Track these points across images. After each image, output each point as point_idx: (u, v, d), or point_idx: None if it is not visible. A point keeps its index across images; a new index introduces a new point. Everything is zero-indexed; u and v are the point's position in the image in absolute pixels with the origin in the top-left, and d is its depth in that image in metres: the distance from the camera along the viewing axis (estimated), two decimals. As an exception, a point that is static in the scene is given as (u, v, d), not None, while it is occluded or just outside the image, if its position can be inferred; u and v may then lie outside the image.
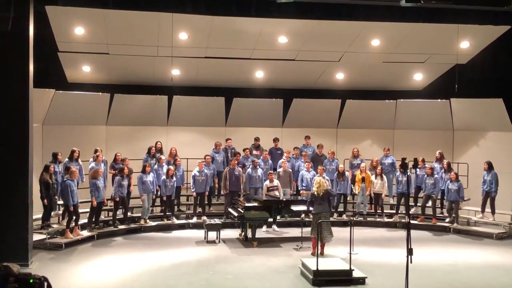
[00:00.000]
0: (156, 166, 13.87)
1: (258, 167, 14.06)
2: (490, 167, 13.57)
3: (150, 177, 13.38)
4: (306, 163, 14.32)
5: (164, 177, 13.57)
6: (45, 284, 4.24)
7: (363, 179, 14.32)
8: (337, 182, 14.22)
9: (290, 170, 14.28)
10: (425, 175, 14.00)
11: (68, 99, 14.09)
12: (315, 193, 10.84)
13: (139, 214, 13.59)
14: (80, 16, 11.95)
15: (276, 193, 13.23)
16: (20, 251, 9.72)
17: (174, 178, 13.68)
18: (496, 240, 12.85)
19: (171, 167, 13.70)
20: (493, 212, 13.56)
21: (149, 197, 13.46)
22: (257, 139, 15.33)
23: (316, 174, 13.66)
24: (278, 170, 14.23)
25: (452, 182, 13.55)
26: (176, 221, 13.87)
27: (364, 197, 14.44)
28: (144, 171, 13.33)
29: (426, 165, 14.11)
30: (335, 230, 12.91)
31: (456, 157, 15.71)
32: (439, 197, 14.13)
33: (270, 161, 14.72)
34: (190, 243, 12.13)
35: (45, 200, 11.78)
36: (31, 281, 4.18)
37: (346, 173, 14.47)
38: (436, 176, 13.95)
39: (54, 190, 12.13)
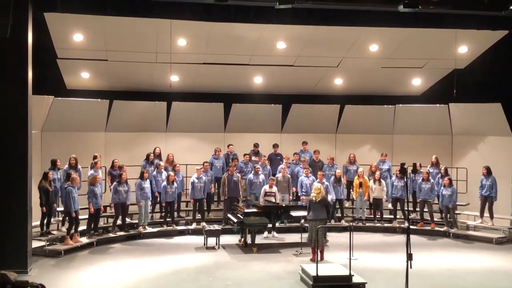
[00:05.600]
0: (155, 173, 13.86)
1: (259, 173, 14.07)
2: (488, 172, 13.56)
3: (148, 184, 13.37)
4: (305, 169, 14.31)
5: (165, 183, 13.56)
6: (42, 291, 4.23)
7: (360, 184, 14.32)
8: (334, 187, 14.21)
9: (289, 176, 14.28)
10: (421, 180, 14.00)
11: (67, 105, 14.10)
12: (313, 198, 10.85)
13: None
14: (79, 23, 11.96)
15: (273, 199, 13.23)
16: (19, 258, 9.69)
17: (175, 184, 13.67)
18: (496, 244, 12.84)
19: (171, 173, 13.69)
20: (491, 217, 13.55)
21: (147, 203, 13.44)
22: (256, 145, 15.31)
23: (315, 180, 13.64)
24: (277, 175, 14.22)
25: (446, 187, 13.55)
26: (176, 227, 13.85)
27: (362, 202, 14.44)
28: (142, 177, 13.32)
29: (422, 170, 14.07)
30: (334, 235, 12.94)
31: (455, 161, 15.70)
32: (436, 201, 14.12)
33: (268, 167, 14.70)
34: (190, 249, 12.11)
35: (44, 208, 11.76)
36: (28, 288, 4.16)
37: (342, 179, 14.48)
38: (432, 180, 13.96)
39: (53, 197, 12.11)
